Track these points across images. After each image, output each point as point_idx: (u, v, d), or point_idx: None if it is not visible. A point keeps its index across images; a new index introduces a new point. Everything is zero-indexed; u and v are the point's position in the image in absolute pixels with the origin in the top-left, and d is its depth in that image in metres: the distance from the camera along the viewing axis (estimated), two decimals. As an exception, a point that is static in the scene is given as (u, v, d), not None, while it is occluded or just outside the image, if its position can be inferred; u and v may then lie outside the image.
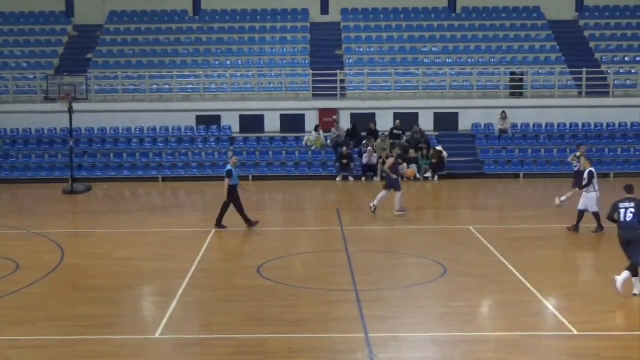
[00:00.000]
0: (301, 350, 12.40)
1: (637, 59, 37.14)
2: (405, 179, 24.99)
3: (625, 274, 14.85)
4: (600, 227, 20.43)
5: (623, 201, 15.38)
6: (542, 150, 32.76)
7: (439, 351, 12.55)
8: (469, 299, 15.12)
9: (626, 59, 37.34)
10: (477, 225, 21.86)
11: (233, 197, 21.55)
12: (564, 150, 32.36)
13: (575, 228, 20.76)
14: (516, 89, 35.31)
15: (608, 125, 33.74)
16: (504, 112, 33.31)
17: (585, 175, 20.80)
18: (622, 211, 15.24)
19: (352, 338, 12.91)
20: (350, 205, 27.10)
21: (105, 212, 25.28)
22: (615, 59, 37.24)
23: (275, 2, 40.58)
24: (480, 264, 17.70)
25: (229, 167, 21.84)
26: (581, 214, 20.81)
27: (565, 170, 31.34)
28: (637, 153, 32.55)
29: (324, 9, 40.75)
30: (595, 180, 20.78)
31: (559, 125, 33.79)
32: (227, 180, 21.49)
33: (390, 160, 23.56)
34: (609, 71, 35.88)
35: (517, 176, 31.65)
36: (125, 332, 13.29)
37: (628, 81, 35.93)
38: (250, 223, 21.65)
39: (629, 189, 15.94)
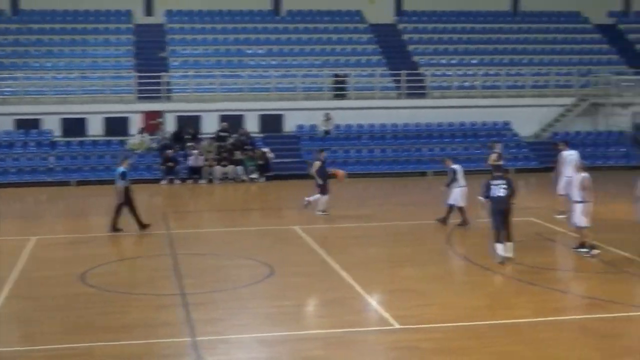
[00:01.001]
0: (127, 357, 12.22)
1: (453, 61, 38.80)
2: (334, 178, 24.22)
3: (509, 245, 17.43)
4: (464, 222, 21.27)
5: (494, 179, 17.73)
6: (364, 150, 33.63)
7: (268, 351, 12.70)
8: (295, 298, 15.36)
9: (442, 61, 38.92)
10: (302, 225, 22.21)
11: (127, 198, 21.35)
12: (385, 150, 33.39)
13: (443, 220, 21.59)
14: (339, 90, 36.10)
15: (426, 125, 35.06)
16: (327, 113, 33.97)
17: (449, 172, 21.61)
18: (495, 188, 17.56)
19: (180, 342, 12.85)
20: (176, 208, 26.89)
21: None
22: (432, 62, 38.75)
23: (97, 2, 39.68)
24: (306, 263, 18.00)
25: (122, 169, 21.64)
26: (451, 208, 21.62)
27: (386, 169, 32.39)
28: (453, 152, 33.96)
29: (148, 11, 40.24)
30: (461, 176, 21.55)
31: (380, 125, 34.80)
32: (121, 182, 21.32)
33: (317, 164, 23.44)
34: (426, 73, 37.32)
35: (341, 176, 32.31)
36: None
37: (444, 83, 37.47)
38: (142, 226, 21.47)
39: (497, 168, 18.76)
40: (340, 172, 23.34)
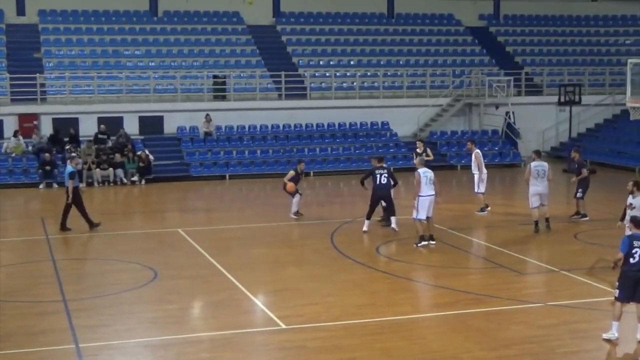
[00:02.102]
0: (8, 367, 11.93)
1: (331, 62, 39.24)
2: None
3: (393, 219, 20.57)
4: (388, 220, 21.24)
5: (378, 169, 20.44)
6: (246, 152, 33.64)
7: (153, 355, 12.61)
8: (180, 301, 15.28)
9: (321, 62, 39.31)
10: (186, 227, 22.07)
11: (76, 198, 21.27)
12: (267, 151, 33.49)
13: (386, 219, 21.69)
14: (219, 92, 35.98)
15: (307, 126, 35.35)
16: (208, 115, 33.81)
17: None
18: (378, 176, 20.33)
19: (62, 350, 12.60)
20: (56, 212, 26.17)
21: None
22: (311, 63, 39.08)
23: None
24: (191, 266, 17.92)
25: (71, 168, 21.46)
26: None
27: (268, 170, 32.50)
28: (334, 152, 34.38)
29: (20, 10, 39.06)
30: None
31: (261, 127, 34.88)
32: (70, 182, 21.20)
33: (291, 173, 22.90)
34: (306, 74, 37.62)
35: (223, 177, 32.25)
36: None
37: (323, 84, 37.86)
38: (92, 224, 21.48)
39: (380, 159, 21.10)
40: (290, 185, 22.98)
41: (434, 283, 16.61)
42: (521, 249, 19.18)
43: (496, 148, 36.04)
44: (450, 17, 43.76)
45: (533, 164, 21.28)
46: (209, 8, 40.66)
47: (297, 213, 23.20)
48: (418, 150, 25.04)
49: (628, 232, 16.01)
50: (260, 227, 22.55)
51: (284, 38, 40.62)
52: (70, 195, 21.40)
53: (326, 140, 35.03)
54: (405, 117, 36.60)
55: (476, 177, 24.00)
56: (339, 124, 35.76)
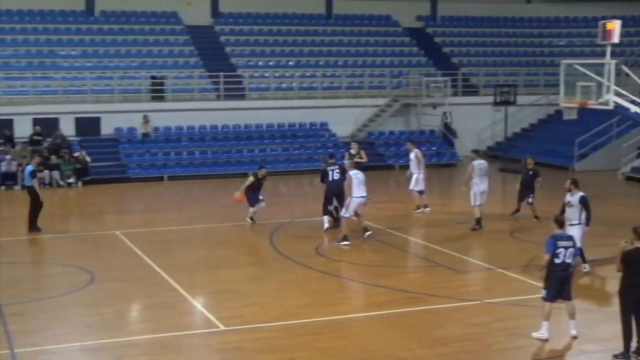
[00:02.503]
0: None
1: (270, 63, 39.22)
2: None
3: (325, 218, 20.98)
4: (336, 221, 21.11)
5: (329, 165, 21.11)
6: (185, 153, 33.45)
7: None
8: (118, 304, 15.15)
9: (260, 63, 39.26)
10: (124, 229, 21.88)
11: (35, 197, 21.30)
12: (205, 152, 33.37)
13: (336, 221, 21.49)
14: (157, 92, 35.71)
15: (245, 126, 35.28)
16: (146, 115, 33.54)
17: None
18: (330, 172, 20.88)
19: (-3, 355, 12.43)
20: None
21: None
22: (249, 64, 39.01)
23: None
24: (128, 268, 17.78)
25: (31, 167, 21.35)
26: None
27: (207, 171, 32.37)
28: (272, 153, 34.38)
29: (-48, 9, 38.28)
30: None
31: (199, 127, 34.72)
32: (34, 181, 21.30)
33: (251, 179, 22.32)
34: (245, 75, 37.55)
35: (161, 179, 32.00)
36: None
37: (262, 84, 37.83)
38: (33, 229, 21.34)
39: (332, 156, 21.97)
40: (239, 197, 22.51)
41: (372, 282, 16.74)
42: (459, 248, 19.43)
43: (434, 148, 36.41)
44: (388, 18, 44.06)
45: (475, 162, 21.62)
46: (147, 8, 40.32)
47: (252, 219, 22.54)
48: (352, 151, 25.10)
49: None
50: (199, 228, 22.48)
51: (222, 38, 40.47)
52: (39, 194, 21.35)
53: (265, 141, 35.01)
54: (344, 118, 36.76)
55: (415, 176, 24.18)
56: (278, 124, 35.78)
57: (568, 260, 12.93)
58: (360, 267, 18.11)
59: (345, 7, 43.40)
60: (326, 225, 21.07)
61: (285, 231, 21.63)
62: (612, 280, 14.89)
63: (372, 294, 16.11)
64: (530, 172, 22.70)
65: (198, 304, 15.22)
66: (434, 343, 13.00)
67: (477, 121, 38.51)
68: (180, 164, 32.84)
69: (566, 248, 12.93)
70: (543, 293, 13.10)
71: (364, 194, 19.85)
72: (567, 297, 13.14)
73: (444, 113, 37.16)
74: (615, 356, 12.24)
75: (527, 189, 22.70)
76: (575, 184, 16.97)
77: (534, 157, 23.64)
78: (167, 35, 39.34)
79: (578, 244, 16.49)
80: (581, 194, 16.83)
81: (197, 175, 32.16)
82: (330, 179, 20.96)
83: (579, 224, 16.66)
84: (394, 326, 13.86)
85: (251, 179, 22.43)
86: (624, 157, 32.31)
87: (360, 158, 24.57)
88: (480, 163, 21.60)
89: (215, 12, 41.66)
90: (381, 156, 35.13)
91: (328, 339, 13.25)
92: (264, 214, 23.37)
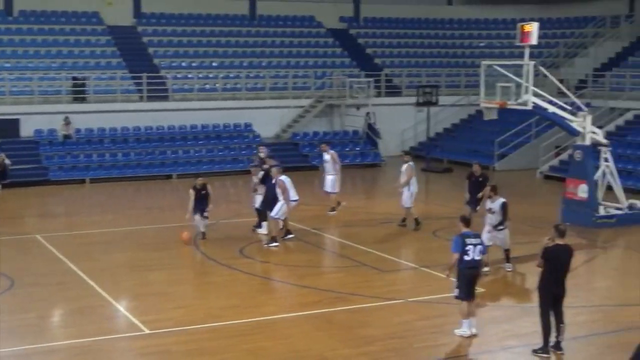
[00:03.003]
0: None
1: (193, 64, 38.97)
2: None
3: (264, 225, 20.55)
4: (259, 225, 20.96)
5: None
6: (107, 155, 33.01)
7: (10, 366, 12.27)
8: (39, 310, 14.90)
9: (183, 64, 38.98)
10: (45, 233, 21.47)
11: None
12: (128, 154, 32.98)
13: (258, 225, 21.24)
14: (79, 93, 35.16)
15: (169, 128, 34.99)
16: (67, 117, 32.99)
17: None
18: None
19: None
20: None
21: None
22: (172, 64, 38.70)
23: None
24: (50, 273, 17.48)
25: None
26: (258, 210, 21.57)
27: (130, 173, 32.00)
28: (197, 154, 34.16)
29: None
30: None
31: (122, 129, 34.30)
32: None
33: (191, 194, 21.31)
34: (168, 76, 37.25)
35: (83, 181, 31.48)
36: None
37: (185, 85, 37.56)
38: None
39: (261, 162, 21.67)
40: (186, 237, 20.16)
41: (298, 283, 16.80)
42: (382, 247, 19.63)
43: (357, 148, 36.66)
44: (311, 19, 44.20)
45: (411, 164, 21.87)
46: (67, 8, 39.63)
47: (203, 235, 20.61)
48: (261, 154, 24.56)
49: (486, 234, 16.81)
50: (123, 231, 22.21)
51: (145, 39, 40.06)
52: None
53: (189, 142, 34.77)
54: (268, 119, 36.75)
55: (331, 177, 24.09)
56: (202, 125, 35.57)
57: (477, 258, 13.20)
58: (286, 268, 18.16)
59: (268, 8, 43.40)
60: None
61: (210, 233, 21.50)
62: (532, 276, 15.25)
63: (298, 294, 16.17)
64: (480, 179, 20.96)
65: (122, 308, 15.06)
66: (360, 342, 13.11)
67: (400, 121, 38.92)
68: (102, 166, 32.38)
69: (474, 245, 13.19)
70: (456, 292, 13.34)
71: (297, 197, 20.06)
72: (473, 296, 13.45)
73: (368, 114, 37.43)
74: (534, 351, 12.54)
75: (475, 196, 20.83)
76: (495, 190, 17.28)
77: (480, 163, 22.40)
78: (89, 36, 38.76)
79: (506, 246, 17.51)
80: (502, 200, 17.19)
81: (120, 178, 31.75)
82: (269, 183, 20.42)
83: (504, 228, 17.18)
84: (321, 326, 13.94)
85: (191, 192, 20.36)
86: (542, 156, 33.03)
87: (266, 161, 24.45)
88: (413, 164, 21.95)
89: (137, 12, 41.19)
90: (305, 157, 35.22)
91: (255, 340, 13.26)
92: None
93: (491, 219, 17.20)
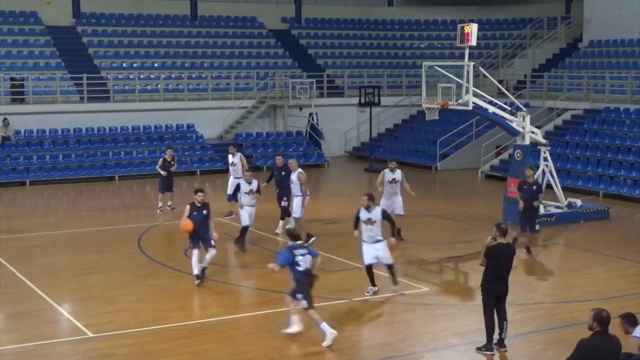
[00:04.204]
0: None
1: (135, 65, 38.63)
2: None
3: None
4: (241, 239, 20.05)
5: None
6: (47, 157, 32.56)
7: (-49, 373, 12.05)
8: (-21, 315, 14.66)
9: (124, 64, 38.63)
10: (-16, 237, 21.14)
11: None
12: (69, 156, 32.57)
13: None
14: (17, 94, 34.62)
15: (110, 129, 34.63)
16: (6, 119, 32.44)
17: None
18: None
19: None
20: None
21: None
22: (113, 65, 38.32)
23: None
24: (-10, 277, 17.20)
25: None
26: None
27: (71, 175, 31.60)
28: (139, 155, 33.86)
29: None
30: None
31: (62, 130, 33.85)
32: None
33: (187, 210, 20.73)
34: (109, 77, 36.86)
35: (23, 184, 31.02)
36: None
37: (127, 86, 37.22)
38: None
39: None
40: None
41: (243, 284, 16.80)
42: (327, 247, 19.64)
43: (301, 149, 36.73)
44: (253, 19, 44.14)
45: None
46: (4, 7, 38.96)
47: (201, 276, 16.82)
48: (167, 157, 24.91)
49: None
50: (64, 233, 21.96)
51: (84, 39, 39.57)
52: None
53: (131, 144, 34.46)
54: (211, 119, 36.64)
55: (231, 180, 23.50)
56: (144, 126, 35.30)
57: (308, 266, 13.23)
58: (231, 269, 18.13)
59: (209, 8, 43.24)
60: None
61: (154, 235, 21.37)
62: (475, 275, 15.46)
63: (243, 295, 16.16)
64: (534, 188, 19.59)
65: (64, 312, 14.89)
66: (306, 342, 13.15)
67: (343, 122, 39.11)
68: (42, 169, 31.92)
69: (303, 255, 13.21)
70: (303, 303, 13.03)
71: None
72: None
73: (310, 114, 37.54)
74: (478, 348, 12.71)
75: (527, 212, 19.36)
76: (373, 199, 15.70)
77: (533, 168, 20.75)
78: (27, 36, 38.17)
79: (388, 261, 15.66)
80: (380, 207, 16.19)
81: (61, 180, 31.35)
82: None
83: (382, 240, 15.60)
84: (266, 327, 13.95)
85: (187, 210, 16.51)
86: (483, 156, 33.46)
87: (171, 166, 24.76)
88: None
89: (76, 12, 40.67)
90: (249, 158, 35.12)
91: (200, 342, 13.22)
92: (132, 217, 23.00)
93: (372, 231, 15.39)
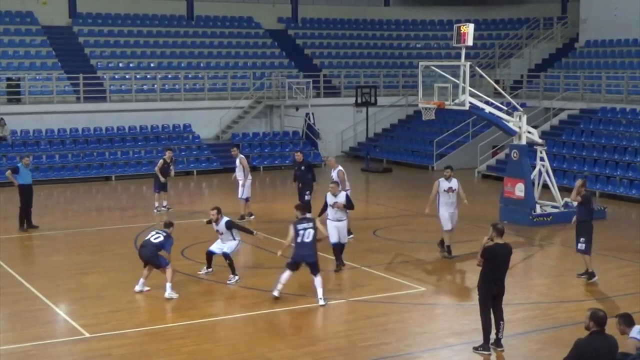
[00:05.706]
0: None
1: (131, 65, 38.60)
2: None
3: None
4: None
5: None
6: (44, 157, 32.53)
7: (-53, 373, 12.03)
8: (-24, 315, 14.63)
9: (120, 64, 38.59)
10: (-20, 237, 21.12)
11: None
12: (66, 156, 32.54)
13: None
14: (13, 95, 34.58)
15: (107, 129, 34.60)
16: (2, 119, 32.42)
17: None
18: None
19: None
20: None
21: None
22: (110, 65, 38.28)
23: None
24: (-14, 278, 17.18)
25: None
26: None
27: (68, 175, 31.56)
28: (135, 155, 33.85)
29: None
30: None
31: (59, 130, 33.82)
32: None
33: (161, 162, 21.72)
34: (105, 77, 36.82)
35: (19, 184, 30.94)
36: None
37: (123, 86, 37.18)
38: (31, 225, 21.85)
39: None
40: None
41: (239, 284, 16.76)
42: (322, 248, 19.61)
43: (297, 149, 36.65)
44: (249, 20, 44.12)
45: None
46: (0, 7, 38.94)
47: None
48: (166, 158, 25.04)
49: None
50: (61, 233, 21.93)
51: (81, 39, 39.54)
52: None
53: (127, 144, 34.43)
54: (208, 119, 36.63)
55: (241, 182, 23.66)
56: (141, 126, 35.27)
57: (307, 240, 15.08)
58: (227, 269, 18.08)
59: (206, 8, 43.22)
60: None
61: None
62: (472, 275, 15.47)
63: (240, 295, 16.13)
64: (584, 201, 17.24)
65: (61, 312, 14.87)
66: (303, 342, 13.15)
67: (340, 122, 39.12)
68: (39, 169, 31.84)
69: (305, 229, 15.10)
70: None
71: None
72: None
73: (307, 114, 37.52)
74: (475, 348, 12.72)
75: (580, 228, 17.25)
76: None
77: (585, 180, 18.25)
78: (23, 36, 38.13)
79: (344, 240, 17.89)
80: (345, 192, 18.02)
81: (57, 180, 31.32)
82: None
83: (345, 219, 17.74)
84: (263, 327, 13.95)
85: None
86: (479, 156, 33.47)
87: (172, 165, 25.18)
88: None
89: (72, 12, 40.63)
90: (245, 158, 35.05)
91: (196, 342, 13.21)
92: (128, 218, 22.94)
93: (337, 213, 17.54)
